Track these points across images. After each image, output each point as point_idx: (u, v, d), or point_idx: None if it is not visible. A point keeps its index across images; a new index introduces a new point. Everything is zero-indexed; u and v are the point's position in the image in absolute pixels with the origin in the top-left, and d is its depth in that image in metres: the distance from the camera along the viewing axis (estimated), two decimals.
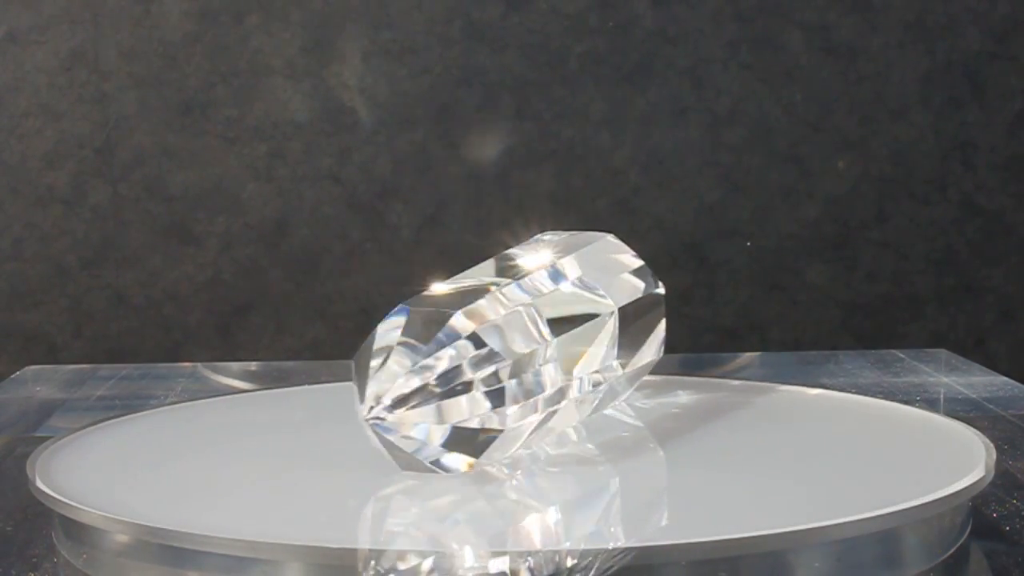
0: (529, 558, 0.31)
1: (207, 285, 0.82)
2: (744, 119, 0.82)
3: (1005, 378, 0.60)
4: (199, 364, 0.70)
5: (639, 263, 0.44)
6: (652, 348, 0.44)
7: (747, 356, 0.68)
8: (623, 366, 0.42)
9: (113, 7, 0.80)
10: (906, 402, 0.50)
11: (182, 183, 0.81)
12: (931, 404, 0.55)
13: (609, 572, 0.31)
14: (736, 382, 0.51)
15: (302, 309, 0.82)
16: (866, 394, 0.52)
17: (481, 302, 0.38)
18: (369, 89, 0.81)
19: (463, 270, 0.42)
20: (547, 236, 0.45)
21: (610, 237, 0.45)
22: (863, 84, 0.82)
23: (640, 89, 0.81)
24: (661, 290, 0.44)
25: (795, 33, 0.81)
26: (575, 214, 0.82)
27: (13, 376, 0.67)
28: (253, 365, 0.71)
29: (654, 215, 0.82)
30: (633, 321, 0.42)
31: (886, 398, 0.50)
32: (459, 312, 0.37)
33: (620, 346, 0.42)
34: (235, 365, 0.71)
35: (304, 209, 0.81)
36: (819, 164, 0.82)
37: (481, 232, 0.82)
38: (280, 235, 0.82)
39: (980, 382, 0.60)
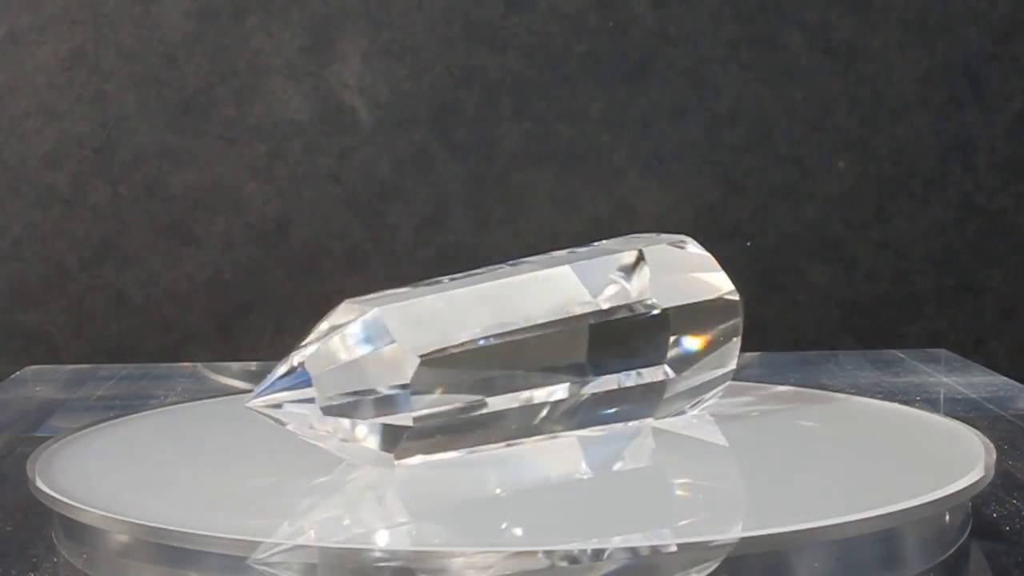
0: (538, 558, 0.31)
1: (207, 285, 0.82)
2: (744, 119, 0.82)
3: (1005, 378, 0.60)
4: (199, 364, 0.70)
5: (710, 267, 0.44)
6: (719, 358, 0.43)
7: (747, 356, 0.68)
8: (677, 371, 0.41)
9: (113, 7, 0.80)
10: (906, 402, 0.50)
11: (182, 183, 0.81)
12: (931, 404, 0.55)
13: (608, 572, 0.31)
14: (731, 382, 0.51)
15: (302, 309, 0.82)
16: (866, 394, 0.52)
17: (426, 299, 0.39)
18: (369, 89, 0.81)
19: (462, 270, 0.42)
20: (641, 236, 0.45)
21: (690, 243, 0.44)
22: (863, 84, 0.82)
23: (640, 89, 0.81)
24: (735, 296, 0.43)
25: (795, 33, 0.81)
26: (575, 214, 0.82)
27: (13, 376, 0.67)
28: (253, 365, 0.71)
29: (654, 215, 0.82)
30: (691, 328, 0.42)
31: (886, 398, 0.50)
32: (380, 308, 0.38)
33: (672, 351, 0.41)
34: (235, 365, 0.71)
35: (304, 209, 0.81)
36: (819, 164, 0.82)
37: (481, 232, 0.82)
38: (280, 235, 0.82)
39: (980, 382, 0.60)
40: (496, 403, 0.39)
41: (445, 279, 0.41)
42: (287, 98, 0.81)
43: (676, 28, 0.81)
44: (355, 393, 0.37)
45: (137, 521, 0.34)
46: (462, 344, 0.38)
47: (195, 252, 0.82)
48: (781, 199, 0.82)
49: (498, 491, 0.38)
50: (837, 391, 0.51)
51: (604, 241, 0.44)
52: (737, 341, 0.43)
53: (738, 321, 0.43)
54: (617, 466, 0.40)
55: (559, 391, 0.39)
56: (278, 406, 0.37)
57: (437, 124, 0.81)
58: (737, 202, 0.82)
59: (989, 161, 0.82)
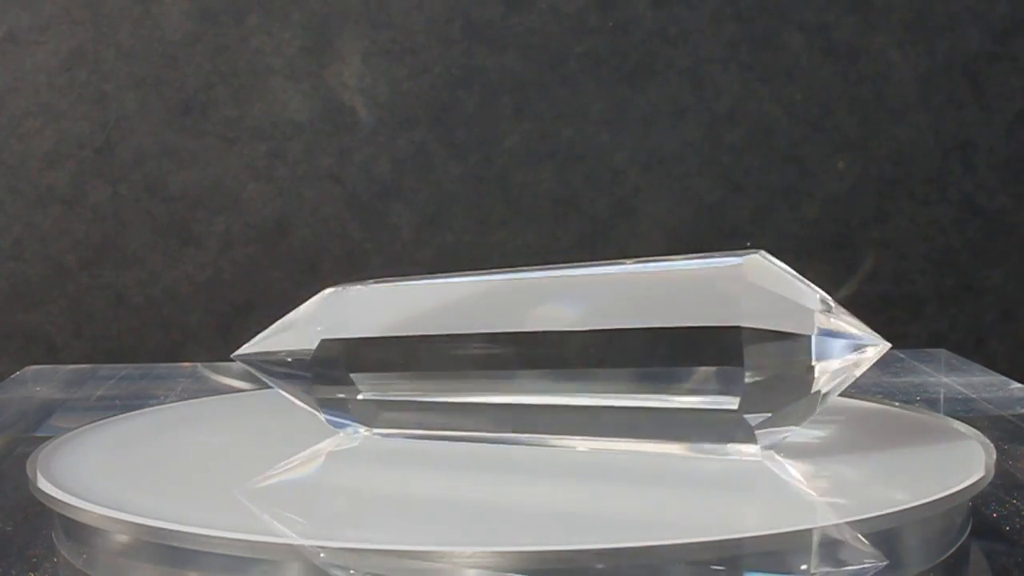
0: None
1: (207, 285, 0.82)
2: (744, 119, 0.82)
3: (1005, 378, 0.60)
4: (199, 364, 0.70)
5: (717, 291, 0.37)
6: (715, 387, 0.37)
7: None
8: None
9: (113, 7, 0.80)
10: (906, 402, 0.50)
11: (182, 183, 0.81)
12: (931, 404, 0.55)
13: (611, 572, 0.31)
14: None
15: None
16: (866, 394, 0.52)
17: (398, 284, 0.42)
18: (369, 89, 0.81)
19: (462, 270, 0.42)
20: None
21: (758, 256, 0.39)
22: (863, 84, 0.82)
23: (640, 89, 0.81)
24: (803, 331, 0.36)
25: (795, 33, 0.81)
26: (575, 214, 0.82)
27: (13, 376, 0.67)
28: None
29: (654, 215, 0.82)
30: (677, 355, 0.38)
31: (886, 398, 0.50)
32: (332, 289, 0.43)
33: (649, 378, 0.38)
34: (235, 365, 0.71)
35: (304, 209, 0.81)
36: (819, 164, 0.82)
37: (481, 232, 0.82)
38: (280, 235, 0.82)
39: (980, 382, 0.60)
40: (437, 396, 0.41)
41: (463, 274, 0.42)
42: (287, 98, 0.81)
43: (676, 28, 0.81)
44: (272, 356, 0.43)
45: (137, 521, 0.34)
46: (391, 334, 0.41)
47: (195, 252, 0.82)
48: (781, 199, 0.82)
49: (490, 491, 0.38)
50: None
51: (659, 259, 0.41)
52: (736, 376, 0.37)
53: (800, 360, 0.36)
54: (613, 467, 0.40)
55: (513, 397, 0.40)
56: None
57: (437, 124, 0.81)
58: (737, 202, 0.82)
59: (989, 161, 0.82)
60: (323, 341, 0.42)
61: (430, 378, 0.42)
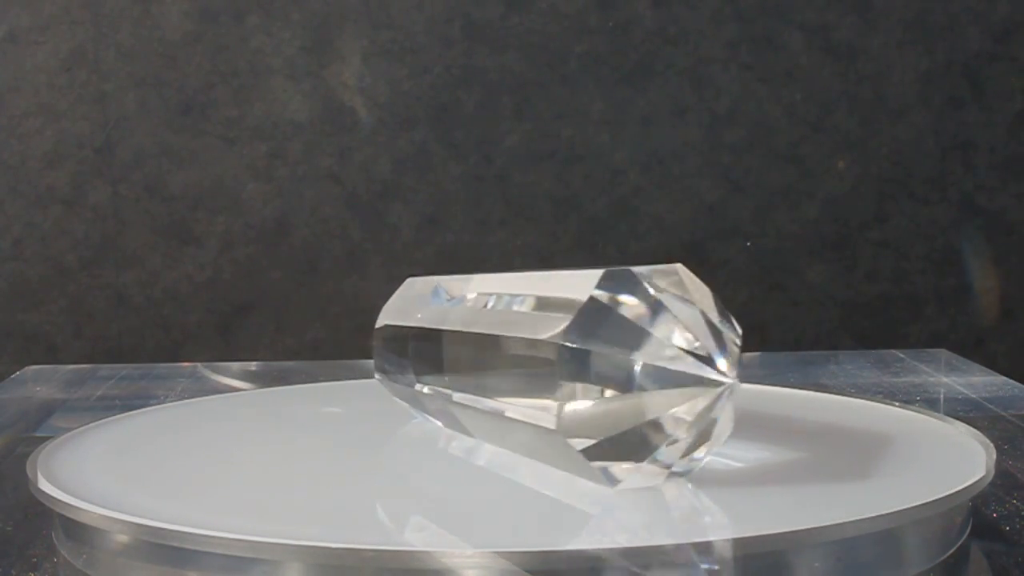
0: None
1: (207, 285, 0.82)
2: (744, 119, 0.82)
3: (1005, 378, 0.60)
4: (199, 364, 0.70)
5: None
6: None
7: (747, 356, 0.68)
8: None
9: (113, 7, 0.80)
10: (906, 402, 0.50)
11: (182, 183, 0.81)
12: (931, 404, 0.55)
13: (608, 573, 0.31)
14: None
15: (302, 309, 0.82)
16: (866, 394, 0.52)
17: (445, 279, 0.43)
18: (369, 89, 0.81)
19: (463, 270, 0.42)
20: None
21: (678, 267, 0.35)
22: (863, 84, 0.82)
23: (640, 89, 0.81)
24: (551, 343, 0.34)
25: (795, 33, 0.81)
26: (575, 214, 0.82)
27: (13, 376, 0.67)
28: (253, 365, 0.71)
29: (654, 215, 0.82)
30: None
31: (886, 398, 0.50)
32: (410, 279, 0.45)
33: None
34: (235, 365, 0.71)
35: (304, 209, 0.81)
36: (819, 164, 0.82)
37: (481, 232, 0.82)
38: (280, 235, 0.82)
39: (980, 382, 0.60)
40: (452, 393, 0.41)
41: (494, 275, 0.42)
42: (287, 98, 0.81)
43: (676, 28, 0.81)
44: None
45: (137, 521, 0.34)
46: (409, 326, 0.43)
47: (195, 252, 0.82)
48: (781, 199, 0.82)
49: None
50: (837, 391, 0.51)
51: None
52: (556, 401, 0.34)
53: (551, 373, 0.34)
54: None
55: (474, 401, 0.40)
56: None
57: (437, 124, 0.81)
58: (737, 202, 0.82)
59: (989, 161, 0.82)
60: (378, 328, 0.45)
61: (437, 374, 0.42)
